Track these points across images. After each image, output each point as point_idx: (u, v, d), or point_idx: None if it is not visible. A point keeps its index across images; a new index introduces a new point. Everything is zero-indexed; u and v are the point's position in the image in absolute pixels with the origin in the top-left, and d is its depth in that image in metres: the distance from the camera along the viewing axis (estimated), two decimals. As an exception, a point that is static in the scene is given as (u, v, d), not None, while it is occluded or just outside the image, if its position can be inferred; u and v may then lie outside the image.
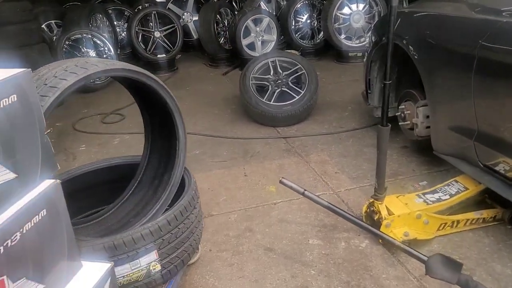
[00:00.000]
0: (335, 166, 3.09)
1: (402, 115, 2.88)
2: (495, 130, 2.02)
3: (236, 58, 6.01)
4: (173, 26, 6.11)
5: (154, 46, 6.06)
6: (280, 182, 2.08)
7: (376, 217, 2.22)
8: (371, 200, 2.25)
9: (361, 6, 5.65)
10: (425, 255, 1.75)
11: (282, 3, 6.36)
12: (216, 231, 2.41)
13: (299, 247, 2.24)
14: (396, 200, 2.28)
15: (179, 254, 1.74)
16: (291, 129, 3.78)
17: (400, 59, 2.79)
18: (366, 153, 3.26)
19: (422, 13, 2.64)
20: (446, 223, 2.21)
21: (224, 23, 6.34)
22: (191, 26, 6.76)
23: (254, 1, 6.06)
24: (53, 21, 5.89)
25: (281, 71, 3.97)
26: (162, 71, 5.95)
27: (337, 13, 5.61)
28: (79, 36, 5.24)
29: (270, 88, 3.93)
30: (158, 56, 5.99)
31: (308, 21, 6.15)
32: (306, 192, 2.02)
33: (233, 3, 6.88)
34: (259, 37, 5.71)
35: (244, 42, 5.60)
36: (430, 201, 2.26)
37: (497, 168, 2.07)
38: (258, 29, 5.67)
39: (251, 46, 5.71)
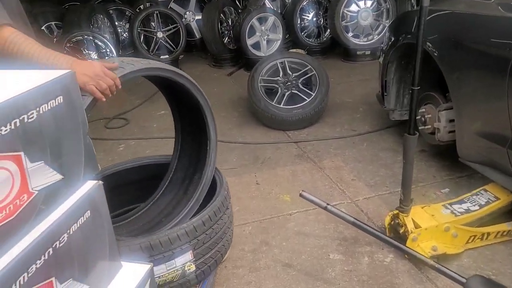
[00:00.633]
0: (350, 172, 2.95)
1: (423, 119, 2.74)
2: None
3: (241, 58, 5.86)
4: (176, 26, 5.96)
5: (156, 46, 5.91)
6: (300, 195, 1.95)
7: (401, 230, 2.09)
8: (395, 212, 2.12)
9: (369, 3, 5.49)
10: (463, 276, 1.61)
11: (287, 0, 6.20)
12: (231, 245, 2.28)
13: (319, 262, 2.11)
14: (422, 211, 2.15)
15: (212, 255, 1.74)
16: (301, 132, 3.64)
17: (422, 57, 2.65)
18: (382, 158, 3.12)
19: (445, 12, 2.49)
20: (475, 236, 2.08)
21: (228, 22, 6.19)
22: (194, 25, 6.60)
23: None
24: (53, 23, 5.75)
25: (290, 73, 3.83)
26: None
27: (344, 11, 5.45)
28: (80, 37, 5.10)
29: (279, 91, 3.79)
30: (161, 57, 5.83)
31: (314, 19, 5.99)
32: (328, 206, 1.89)
33: (237, 1, 6.72)
34: (265, 36, 5.56)
35: (249, 41, 5.45)
36: (458, 212, 2.13)
37: (532, 178, 1.94)
38: (263, 28, 5.52)
39: (256, 46, 5.56)
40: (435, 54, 2.43)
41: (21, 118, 0.80)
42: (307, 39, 5.93)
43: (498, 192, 2.18)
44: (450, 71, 2.35)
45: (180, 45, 5.93)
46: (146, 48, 5.84)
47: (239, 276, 2.06)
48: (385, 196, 2.63)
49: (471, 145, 2.29)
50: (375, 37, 5.49)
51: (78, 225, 0.94)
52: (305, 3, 5.81)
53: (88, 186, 1.00)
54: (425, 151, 3.11)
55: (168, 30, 5.97)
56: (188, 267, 1.66)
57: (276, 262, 2.14)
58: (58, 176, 0.91)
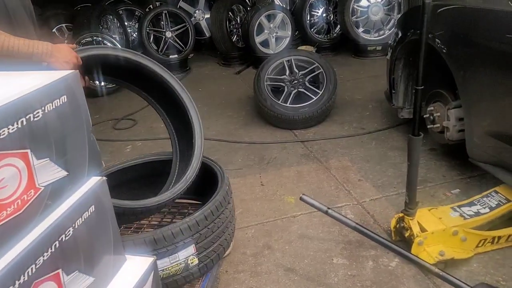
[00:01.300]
0: (357, 172, 2.88)
1: (431, 117, 2.66)
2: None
3: (250, 56, 5.81)
4: (185, 25, 5.93)
5: (165, 46, 5.90)
6: (301, 199, 1.90)
7: (407, 234, 2.02)
8: (400, 215, 2.05)
9: (379, -3, 5.37)
10: (468, 285, 1.54)
11: (296, -3, 6.12)
12: (233, 248, 2.24)
13: (322, 267, 2.06)
14: (429, 214, 2.08)
15: (215, 248, 1.78)
16: (308, 132, 3.58)
17: (425, 56, 2.55)
18: (390, 157, 3.04)
19: (455, 6, 2.39)
20: (486, 239, 1.99)
21: (237, 20, 6.14)
22: (203, 24, 6.57)
23: (267, -4, 5.86)
24: (64, 25, 5.79)
25: (297, 71, 3.76)
26: (174, 72, 5.64)
27: (355, 6, 5.35)
28: (90, 39, 5.12)
29: (286, 89, 3.73)
30: (170, 56, 5.83)
31: (324, 15, 5.90)
32: (329, 210, 1.84)
33: (246, -1, 6.67)
34: (273, 34, 5.49)
35: (258, 39, 5.40)
36: (468, 215, 2.05)
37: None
38: (271, 25, 5.46)
39: (265, 43, 5.50)
40: (444, 51, 2.34)
41: (27, 117, 0.84)
42: (317, 35, 5.85)
43: (510, 194, 2.09)
44: (460, 68, 2.26)
45: (189, 44, 5.91)
46: (155, 48, 5.84)
47: (240, 281, 2.03)
48: (393, 197, 2.56)
49: (481, 144, 2.20)
50: (386, 32, 5.36)
51: (83, 220, 0.98)
52: (314, -1, 5.72)
53: (92, 182, 1.04)
54: (435, 149, 3.01)
55: (177, 30, 5.95)
56: (191, 261, 1.69)
57: (278, 267, 2.09)
58: (63, 173, 0.95)
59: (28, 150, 0.85)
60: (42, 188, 0.89)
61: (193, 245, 1.68)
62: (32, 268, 0.83)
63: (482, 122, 2.17)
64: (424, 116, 2.74)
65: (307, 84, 3.73)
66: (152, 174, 2.31)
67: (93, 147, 1.06)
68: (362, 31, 5.43)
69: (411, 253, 1.83)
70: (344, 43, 5.93)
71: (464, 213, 2.05)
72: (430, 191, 2.57)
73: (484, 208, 2.06)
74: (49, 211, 0.92)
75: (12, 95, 0.82)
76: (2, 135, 0.79)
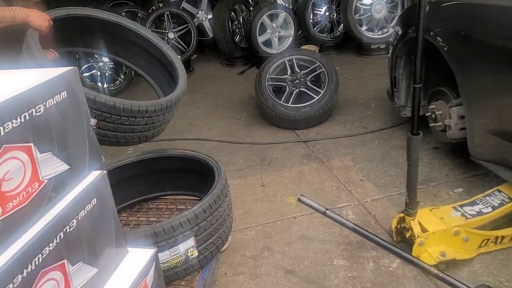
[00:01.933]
0: (359, 172, 2.85)
1: (433, 115, 2.61)
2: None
3: (253, 56, 5.79)
4: (187, 26, 5.93)
5: (168, 47, 5.90)
6: (299, 200, 1.88)
7: (407, 235, 1.99)
8: (401, 215, 2.02)
9: (382, -5, 5.32)
10: (469, 286, 1.51)
11: (298, -4, 6.08)
12: (232, 250, 2.23)
13: (322, 269, 2.04)
14: (430, 214, 2.05)
15: (214, 241, 1.82)
16: (310, 131, 3.55)
17: (427, 53, 2.51)
18: (393, 156, 3.00)
19: (454, 2, 2.35)
20: (489, 239, 1.96)
21: (239, 20, 6.12)
22: (206, 24, 6.56)
23: (269, -4, 5.82)
24: (67, 27, 5.82)
25: (298, 70, 3.74)
26: None
27: (358, 4, 5.29)
28: (92, 41, 5.13)
29: (287, 89, 3.70)
30: (173, 57, 5.82)
31: (327, 13, 5.85)
32: (327, 211, 1.81)
33: (248, -1, 6.64)
34: (276, 33, 5.47)
35: (260, 39, 5.37)
36: (470, 214, 2.01)
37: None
38: (274, 25, 5.43)
39: (268, 43, 5.47)
40: (445, 49, 2.30)
41: (29, 111, 0.87)
42: (320, 34, 5.81)
43: (513, 193, 2.05)
44: (461, 66, 2.22)
45: (191, 45, 5.90)
46: (158, 49, 5.83)
47: (238, 283, 2.01)
48: (395, 197, 2.53)
49: (482, 143, 2.16)
50: (389, 30, 5.30)
51: (86, 212, 1.02)
52: (317, -3, 5.68)
53: (93, 176, 1.08)
54: (438, 148, 2.97)
55: (179, 31, 5.95)
56: (191, 253, 1.73)
57: (278, 269, 2.07)
58: (66, 166, 0.99)
59: (32, 144, 0.88)
60: (46, 181, 0.93)
61: (193, 237, 1.72)
62: (38, 258, 0.87)
63: (484, 120, 2.13)
64: (426, 114, 2.70)
65: (309, 84, 3.70)
66: (149, 172, 2.37)
67: (93, 142, 1.10)
68: (366, 29, 5.38)
69: (410, 254, 1.79)
70: (347, 42, 5.88)
71: (466, 212, 2.02)
72: (433, 190, 2.54)
73: (487, 207, 2.02)
74: (53, 203, 0.96)
75: (15, 90, 0.85)
76: (7, 128, 0.82)
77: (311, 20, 5.72)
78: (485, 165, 2.18)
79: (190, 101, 4.73)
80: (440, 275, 1.54)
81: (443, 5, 2.42)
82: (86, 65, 5.19)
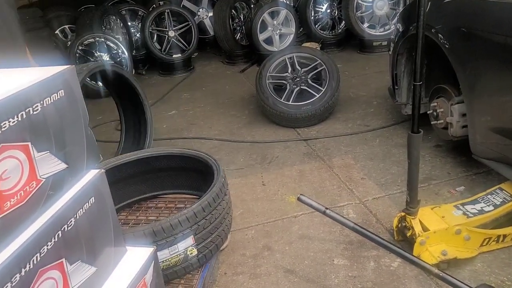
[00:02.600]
0: (361, 170, 2.83)
1: (435, 113, 2.59)
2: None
3: (254, 54, 5.77)
4: (188, 24, 5.91)
5: (169, 46, 5.88)
6: (298, 199, 1.86)
7: (408, 234, 1.97)
8: (402, 214, 2.01)
9: (384, -9, 5.29)
10: (470, 286, 1.49)
11: (300, -7, 6.05)
12: (232, 250, 2.22)
13: (322, 268, 2.02)
14: (431, 212, 2.03)
15: (213, 239, 1.82)
16: (311, 130, 3.54)
17: (428, 50, 2.49)
18: (395, 154, 2.98)
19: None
20: (490, 238, 1.94)
21: (240, 18, 6.10)
22: (207, 22, 6.54)
23: (270, -7, 5.79)
24: (67, 26, 5.81)
25: (299, 68, 3.71)
26: (178, 72, 5.78)
27: (359, 1, 5.27)
28: (92, 40, 5.13)
29: (288, 87, 3.68)
30: (174, 56, 5.81)
31: (328, 10, 5.82)
32: (327, 211, 1.80)
33: (249, -4, 6.61)
34: (277, 31, 5.44)
35: (261, 37, 5.35)
36: (471, 213, 1.99)
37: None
38: (275, 22, 5.41)
39: (269, 41, 5.45)
40: (446, 46, 2.27)
41: (27, 110, 0.87)
42: (322, 31, 5.78)
43: (515, 191, 2.03)
44: (463, 63, 2.19)
45: (192, 43, 5.88)
46: (159, 47, 5.83)
47: (238, 283, 2.00)
48: (396, 195, 2.51)
49: (484, 141, 2.14)
50: (391, 27, 5.27)
51: (84, 211, 1.02)
52: (318, -6, 5.65)
53: (91, 175, 1.07)
54: (440, 146, 2.95)
55: (180, 29, 5.93)
56: (190, 252, 1.72)
57: (278, 268, 2.06)
58: (63, 165, 0.99)
59: (29, 143, 0.88)
60: (44, 180, 0.93)
61: (192, 236, 1.71)
62: (36, 257, 0.86)
63: (486, 117, 2.10)
64: (428, 112, 2.68)
65: (310, 82, 3.68)
66: (148, 170, 2.37)
67: (91, 141, 1.09)
68: (367, 27, 5.36)
69: (411, 253, 1.78)
70: (349, 39, 5.86)
71: (468, 211, 2.00)
72: (435, 188, 2.52)
73: (488, 205, 2.00)
74: (51, 202, 0.95)
75: (12, 88, 0.85)
76: (4, 127, 0.81)
77: (312, 18, 5.70)
78: (487, 163, 2.16)
79: (191, 100, 4.72)
80: (441, 274, 1.53)
81: (445, 1, 2.39)
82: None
